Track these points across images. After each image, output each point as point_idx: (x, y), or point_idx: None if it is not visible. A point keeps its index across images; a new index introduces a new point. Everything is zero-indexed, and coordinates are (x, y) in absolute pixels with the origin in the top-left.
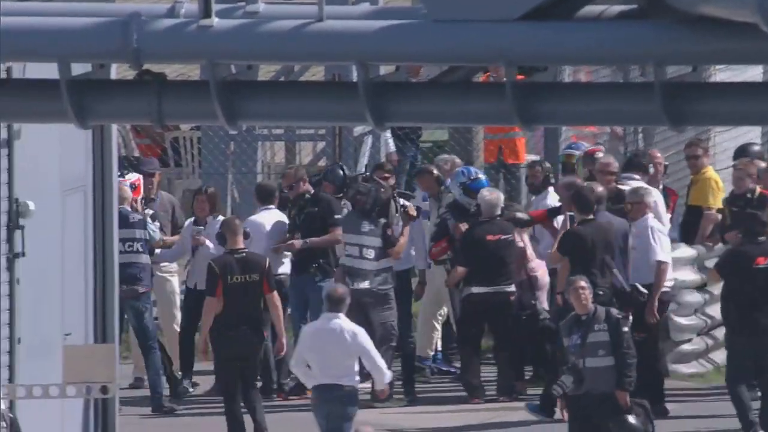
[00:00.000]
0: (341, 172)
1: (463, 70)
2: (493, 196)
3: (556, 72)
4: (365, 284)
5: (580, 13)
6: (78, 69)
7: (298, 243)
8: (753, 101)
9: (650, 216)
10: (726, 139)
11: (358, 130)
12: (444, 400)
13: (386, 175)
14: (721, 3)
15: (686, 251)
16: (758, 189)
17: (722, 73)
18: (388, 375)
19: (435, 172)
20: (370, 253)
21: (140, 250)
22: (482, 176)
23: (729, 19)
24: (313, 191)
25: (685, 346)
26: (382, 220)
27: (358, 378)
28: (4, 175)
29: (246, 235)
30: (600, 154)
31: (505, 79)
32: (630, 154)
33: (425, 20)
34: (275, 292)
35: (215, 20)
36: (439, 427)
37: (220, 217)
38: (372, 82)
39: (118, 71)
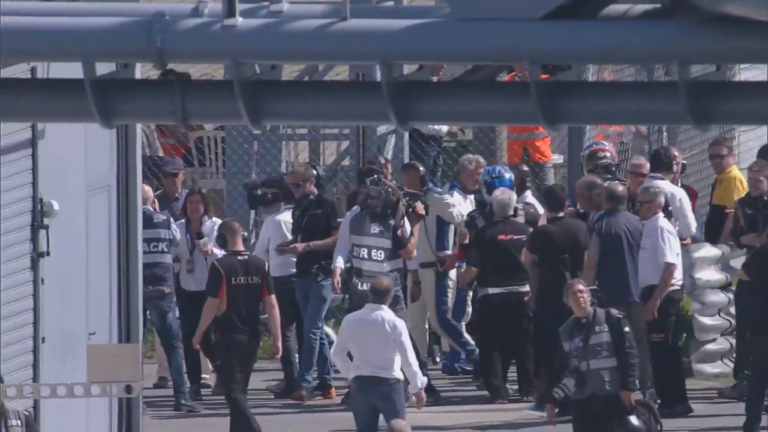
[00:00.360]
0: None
1: (487, 69)
2: (504, 196)
3: (581, 71)
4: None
5: (603, 12)
6: (102, 69)
7: (300, 246)
8: None
9: (660, 216)
10: (750, 138)
11: (382, 129)
12: (469, 399)
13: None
14: (744, 2)
15: (710, 251)
16: None
17: (747, 72)
18: (423, 379)
19: (421, 169)
20: (380, 255)
21: (165, 250)
22: (507, 174)
23: (752, 18)
24: (317, 192)
25: (709, 346)
26: (392, 222)
27: (400, 372)
28: (28, 175)
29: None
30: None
31: (529, 78)
32: (652, 153)
33: (449, 19)
34: (273, 295)
35: (239, 20)
36: (466, 425)
37: (215, 219)
38: (395, 81)
39: (142, 71)
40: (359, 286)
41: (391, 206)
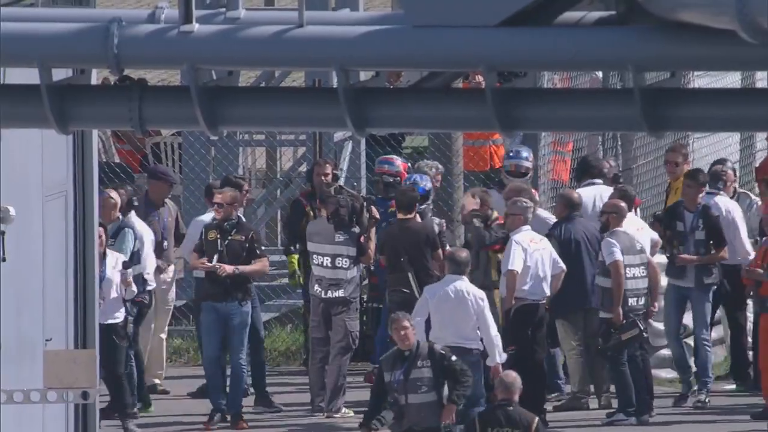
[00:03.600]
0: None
1: (443, 75)
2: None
3: (536, 78)
4: (339, 293)
5: (559, 19)
6: (59, 74)
7: (229, 268)
8: (731, 107)
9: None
10: (703, 146)
11: (339, 135)
12: None
13: (327, 173)
14: (700, 10)
15: (661, 257)
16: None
17: (701, 80)
18: (503, 355)
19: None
20: (345, 263)
21: None
22: (423, 183)
23: (707, 26)
24: (238, 219)
25: (664, 351)
26: (356, 229)
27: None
28: None
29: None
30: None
31: (484, 84)
32: (579, 160)
33: (405, 26)
34: None
35: (196, 26)
36: None
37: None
38: (352, 87)
39: (99, 77)
40: (322, 294)
41: (357, 213)
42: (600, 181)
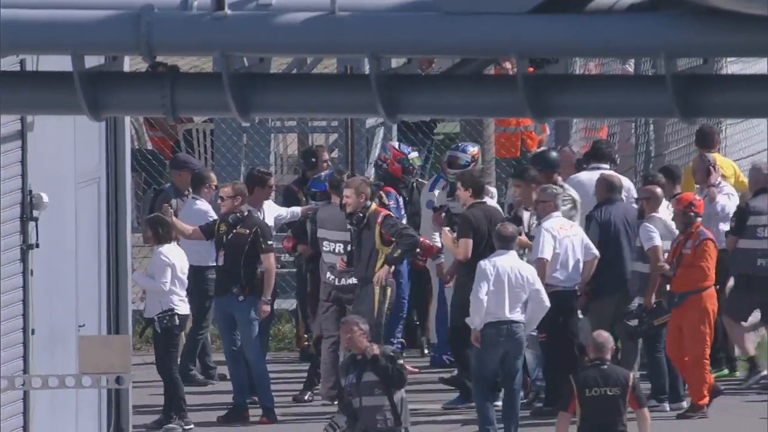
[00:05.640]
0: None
1: (475, 62)
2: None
3: (567, 64)
4: (352, 280)
5: (591, 6)
6: (91, 61)
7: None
8: (763, 93)
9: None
10: (736, 132)
11: (370, 122)
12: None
13: (326, 159)
14: None
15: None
16: None
17: (733, 65)
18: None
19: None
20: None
21: None
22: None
23: (739, 11)
24: (247, 213)
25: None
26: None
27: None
28: (17, 167)
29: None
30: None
31: (516, 71)
32: (593, 144)
33: (437, 13)
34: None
35: (228, 12)
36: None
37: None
38: (384, 74)
39: (131, 63)
40: (335, 282)
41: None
42: (606, 166)
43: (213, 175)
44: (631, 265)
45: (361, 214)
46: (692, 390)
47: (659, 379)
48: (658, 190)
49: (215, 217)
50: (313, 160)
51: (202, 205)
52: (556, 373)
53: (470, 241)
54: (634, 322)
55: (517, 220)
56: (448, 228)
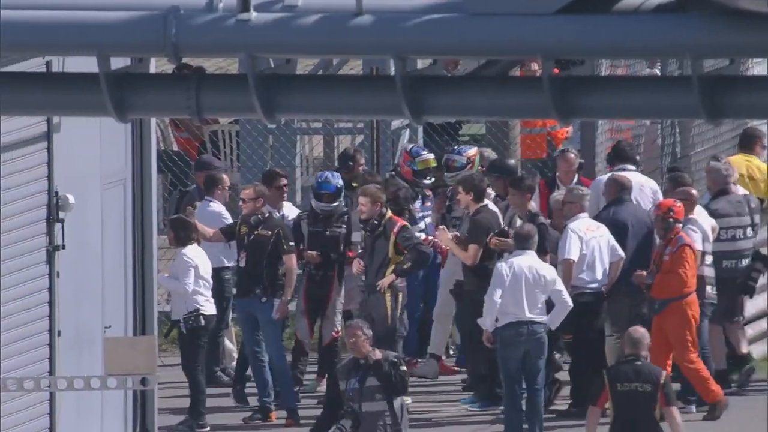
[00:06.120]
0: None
1: (500, 63)
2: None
3: (594, 65)
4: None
5: (617, 6)
6: (117, 63)
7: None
8: None
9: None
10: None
11: (396, 123)
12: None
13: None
14: None
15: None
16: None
17: (760, 66)
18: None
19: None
20: None
21: None
22: (334, 180)
23: (766, 12)
24: (268, 214)
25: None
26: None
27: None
28: (43, 169)
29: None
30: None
31: (542, 72)
32: (614, 145)
33: (463, 14)
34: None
35: (253, 14)
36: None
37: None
38: (409, 75)
39: (157, 65)
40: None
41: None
42: (633, 167)
43: (226, 177)
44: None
45: (377, 222)
46: (700, 390)
47: (688, 383)
48: (694, 191)
49: (228, 218)
50: (351, 163)
51: (216, 206)
52: (581, 374)
53: (479, 247)
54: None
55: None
56: (443, 227)
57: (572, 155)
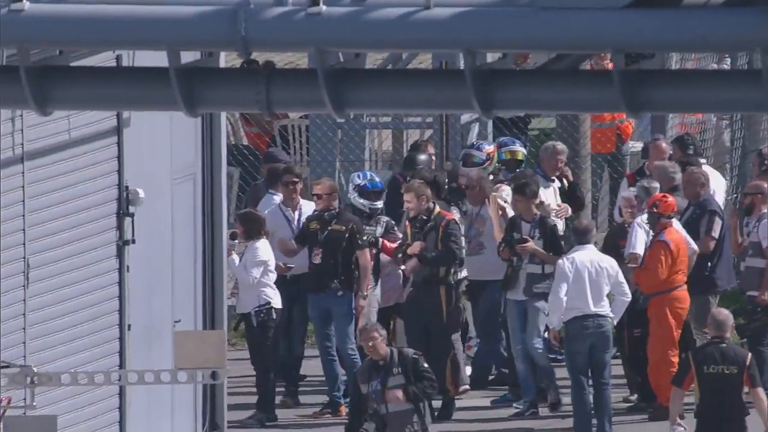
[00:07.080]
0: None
1: (570, 57)
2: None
3: (664, 59)
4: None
5: (687, 1)
6: (187, 57)
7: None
8: None
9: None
10: None
11: (465, 117)
12: None
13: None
14: None
15: None
16: None
17: None
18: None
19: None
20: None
21: None
22: (378, 178)
23: None
24: (338, 209)
25: None
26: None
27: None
28: (114, 163)
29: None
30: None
31: (612, 66)
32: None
33: (533, 8)
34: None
35: (323, 8)
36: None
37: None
38: (479, 69)
39: (226, 59)
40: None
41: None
42: (703, 160)
43: (297, 170)
44: (747, 260)
45: (425, 217)
46: (654, 387)
47: (764, 373)
48: (766, 185)
49: (289, 212)
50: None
51: (279, 199)
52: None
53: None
54: (739, 320)
55: (516, 227)
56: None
57: (665, 144)
